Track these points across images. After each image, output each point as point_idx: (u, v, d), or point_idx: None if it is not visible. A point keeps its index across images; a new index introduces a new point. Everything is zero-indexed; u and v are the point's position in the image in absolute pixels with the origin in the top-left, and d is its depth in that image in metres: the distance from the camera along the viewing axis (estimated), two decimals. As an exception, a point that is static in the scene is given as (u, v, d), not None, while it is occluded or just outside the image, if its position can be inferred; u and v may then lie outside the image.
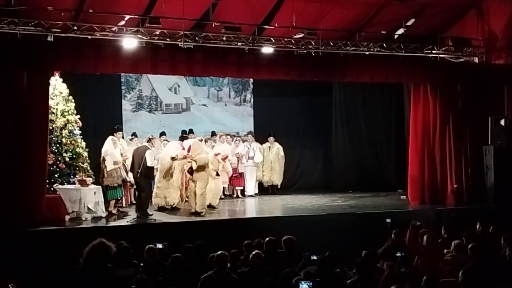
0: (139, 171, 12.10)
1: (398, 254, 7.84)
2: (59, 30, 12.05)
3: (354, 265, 7.27)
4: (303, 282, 6.08)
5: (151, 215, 12.11)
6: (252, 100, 17.47)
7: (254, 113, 17.44)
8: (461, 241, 8.79)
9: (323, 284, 6.46)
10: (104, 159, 12.64)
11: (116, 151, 12.72)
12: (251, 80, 17.08)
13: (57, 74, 12.61)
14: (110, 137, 12.91)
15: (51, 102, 12.14)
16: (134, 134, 14.37)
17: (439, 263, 8.22)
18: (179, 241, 8.84)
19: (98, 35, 12.41)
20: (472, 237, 9.09)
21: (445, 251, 8.86)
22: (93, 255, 5.93)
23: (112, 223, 11.95)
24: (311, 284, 6.05)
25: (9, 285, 6.98)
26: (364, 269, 7.11)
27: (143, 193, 12.36)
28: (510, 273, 7.36)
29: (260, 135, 16.34)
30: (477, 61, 15.49)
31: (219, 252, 7.37)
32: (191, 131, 15.01)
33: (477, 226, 10.47)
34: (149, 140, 12.87)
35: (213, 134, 15.60)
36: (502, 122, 14.78)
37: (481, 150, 14.90)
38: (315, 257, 7.58)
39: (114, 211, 12.71)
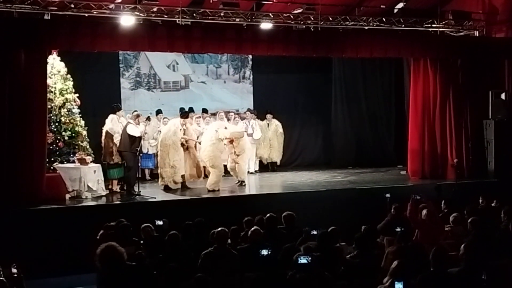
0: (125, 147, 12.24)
1: (398, 229, 7.85)
2: (55, 8, 11.94)
3: (353, 240, 7.29)
4: (302, 257, 6.10)
5: (137, 193, 12.09)
6: (251, 77, 17.37)
7: (253, 90, 17.35)
8: (458, 215, 8.83)
9: (323, 259, 6.48)
10: (111, 137, 12.56)
11: (119, 129, 12.67)
12: (250, 56, 16.98)
13: (54, 52, 12.50)
14: (113, 115, 12.85)
15: (49, 81, 12.07)
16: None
17: (439, 238, 8.25)
18: (180, 219, 8.83)
19: (95, 12, 12.31)
20: (474, 212, 9.11)
21: (445, 227, 8.88)
22: (107, 262, 5.70)
23: (112, 202, 11.96)
24: (310, 259, 6.07)
25: (12, 265, 7.02)
26: (364, 244, 7.14)
27: (129, 170, 12.36)
28: (511, 246, 7.38)
29: (259, 112, 16.31)
30: (477, 35, 15.37)
31: (219, 229, 7.40)
32: (191, 109, 14.94)
33: (480, 201, 10.49)
34: (137, 116, 12.74)
35: (204, 111, 15.49)
36: (503, 96, 14.73)
37: (482, 124, 14.86)
38: (315, 232, 7.61)
39: (117, 189, 12.73)
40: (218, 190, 12.76)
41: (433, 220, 8.73)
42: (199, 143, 13.39)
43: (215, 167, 12.84)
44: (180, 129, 12.91)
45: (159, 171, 13.03)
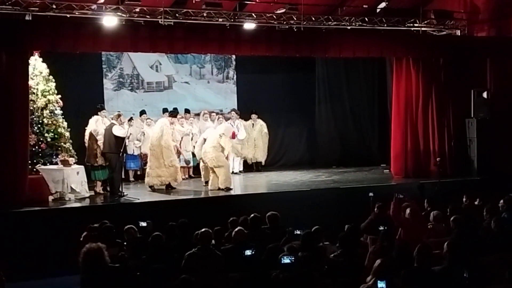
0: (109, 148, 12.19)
1: (381, 228, 7.88)
2: (37, 8, 11.88)
3: (337, 239, 7.30)
4: (285, 257, 6.10)
5: (121, 194, 12.04)
6: (235, 77, 17.33)
7: (237, 90, 17.30)
8: (440, 212, 8.89)
9: (306, 259, 6.48)
10: (96, 139, 12.49)
11: (103, 131, 12.60)
12: (234, 56, 16.94)
13: (36, 53, 12.42)
14: (98, 116, 12.78)
15: (31, 82, 11.99)
16: None
17: (422, 236, 8.29)
18: (164, 220, 8.79)
19: (77, 13, 12.27)
20: (456, 210, 9.16)
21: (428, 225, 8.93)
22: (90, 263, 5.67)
23: (96, 203, 11.91)
24: (293, 259, 6.07)
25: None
26: (347, 243, 7.15)
27: (113, 172, 12.31)
28: (493, 244, 7.44)
29: (243, 112, 16.28)
30: (459, 34, 15.51)
31: (203, 230, 7.38)
32: (175, 109, 14.89)
33: (464, 199, 10.55)
34: (118, 116, 12.69)
35: (187, 111, 15.49)
36: (485, 94, 14.82)
37: (464, 123, 14.94)
38: (298, 232, 7.62)
39: (101, 191, 12.67)
40: (232, 189, 12.81)
41: (416, 219, 8.77)
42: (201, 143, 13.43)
43: (221, 166, 12.82)
44: (172, 129, 12.94)
45: (147, 171, 12.96)
